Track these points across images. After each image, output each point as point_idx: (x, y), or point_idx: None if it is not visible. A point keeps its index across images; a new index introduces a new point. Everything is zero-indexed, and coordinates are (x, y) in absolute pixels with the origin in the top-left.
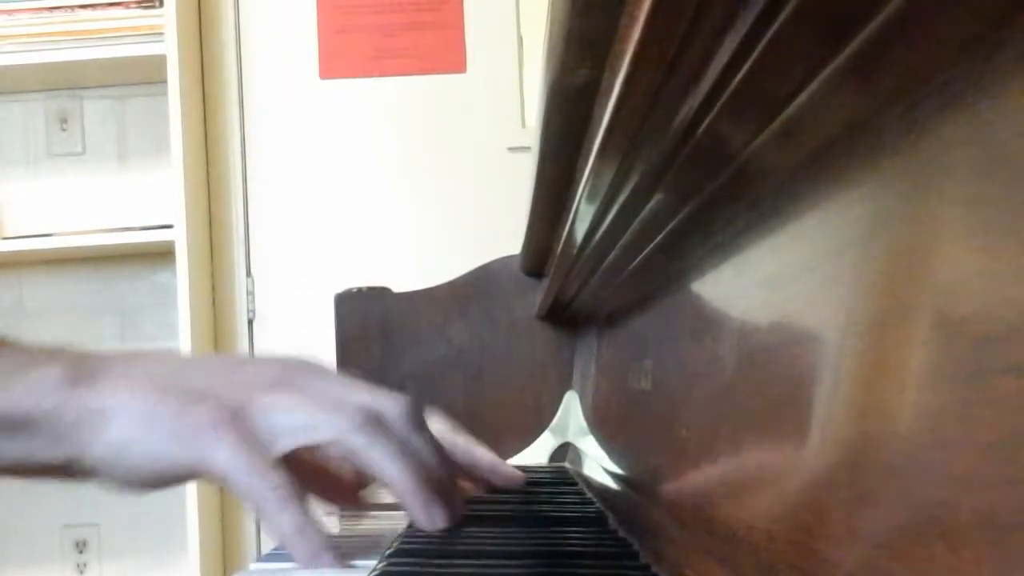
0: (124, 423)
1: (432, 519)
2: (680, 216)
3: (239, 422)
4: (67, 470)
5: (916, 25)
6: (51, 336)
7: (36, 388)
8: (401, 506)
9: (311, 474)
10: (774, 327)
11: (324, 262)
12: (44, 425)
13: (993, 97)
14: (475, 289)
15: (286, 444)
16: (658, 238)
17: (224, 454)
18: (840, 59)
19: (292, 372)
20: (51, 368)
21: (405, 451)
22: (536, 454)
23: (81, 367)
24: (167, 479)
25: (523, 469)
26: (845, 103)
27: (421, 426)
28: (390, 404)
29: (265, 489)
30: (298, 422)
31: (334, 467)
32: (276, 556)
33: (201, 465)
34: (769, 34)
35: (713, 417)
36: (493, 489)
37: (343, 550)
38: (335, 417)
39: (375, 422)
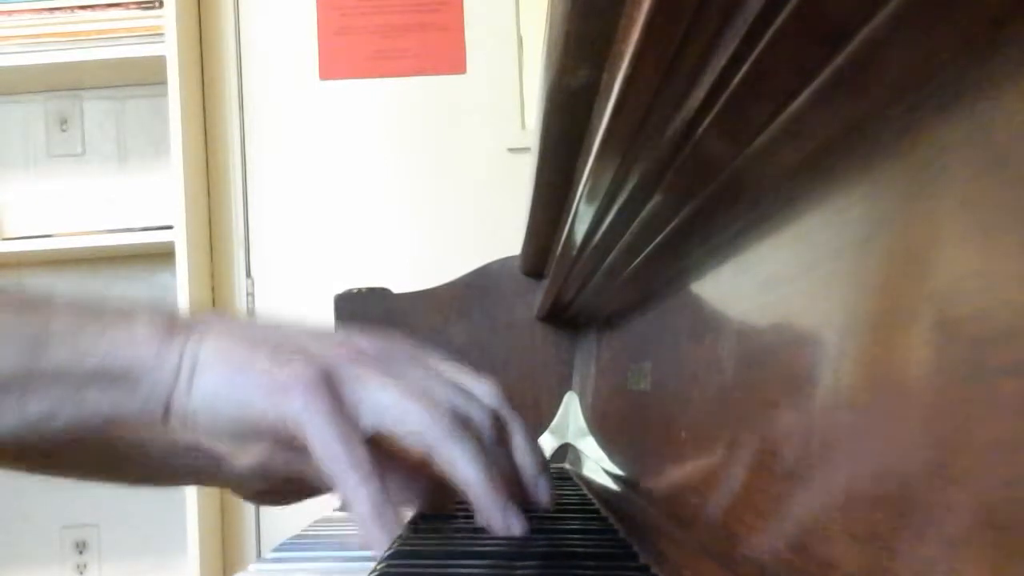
0: (218, 372)
1: (508, 525)
2: (679, 217)
3: (331, 386)
4: (151, 426)
5: (916, 25)
6: None
7: (131, 341)
8: (475, 510)
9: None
10: (773, 328)
11: (324, 263)
12: (139, 376)
13: (993, 97)
14: (475, 290)
15: (370, 422)
16: (657, 239)
17: (314, 416)
18: (839, 60)
19: (387, 350)
20: (147, 322)
21: (484, 455)
22: None
23: (174, 321)
24: (249, 433)
25: None
26: (844, 104)
27: (504, 431)
28: (477, 408)
29: (348, 463)
30: (386, 404)
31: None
32: (275, 558)
33: (287, 421)
34: (768, 35)
35: (712, 418)
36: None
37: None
38: (423, 410)
39: (460, 423)
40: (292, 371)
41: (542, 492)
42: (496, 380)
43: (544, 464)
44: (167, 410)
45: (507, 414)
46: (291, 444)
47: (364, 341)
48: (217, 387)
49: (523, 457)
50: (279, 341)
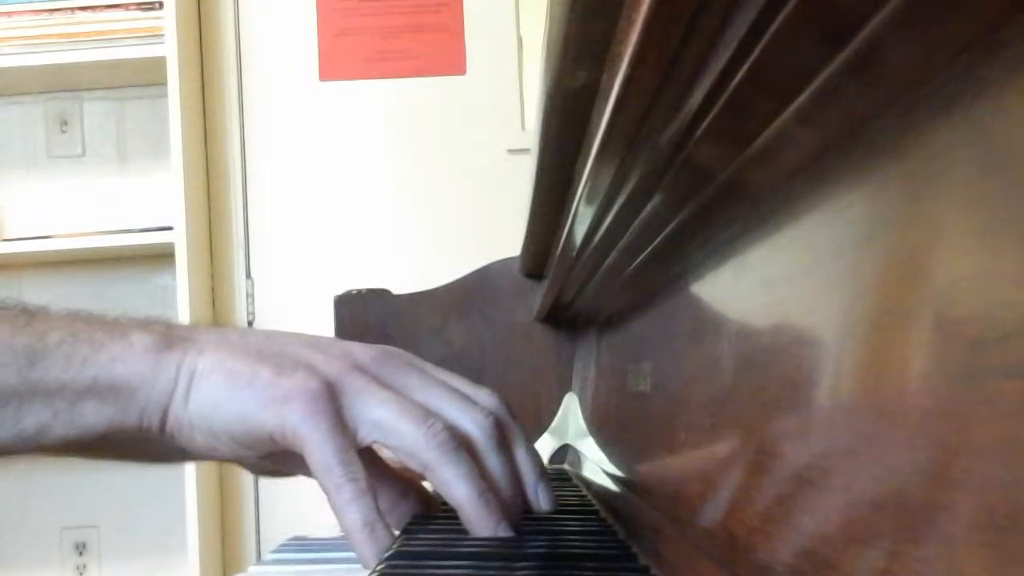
0: (217, 383)
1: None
2: (679, 218)
3: (332, 399)
4: (149, 438)
5: (916, 25)
6: None
7: (129, 353)
8: (467, 529)
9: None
10: (773, 329)
11: (324, 264)
12: (135, 389)
13: (993, 97)
14: (475, 291)
15: (367, 435)
16: (657, 240)
17: (314, 429)
18: (839, 59)
19: (386, 359)
20: (142, 334)
21: (477, 475)
22: None
23: (172, 333)
24: (248, 443)
25: None
26: (844, 104)
27: (503, 443)
28: (472, 425)
29: (344, 477)
30: (383, 419)
31: (390, 468)
32: (275, 559)
33: (286, 432)
34: (768, 35)
35: (712, 419)
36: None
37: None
38: (418, 428)
39: (456, 440)
40: (294, 382)
41: (543, 497)
42: (495, 391)
43: (543, 470)
44: (163, 420)
45: (507, 421)
46: (282, 455)
47: (362, 351)
48: (215, 397)
49: (524, 463)
50: (279, 352)
